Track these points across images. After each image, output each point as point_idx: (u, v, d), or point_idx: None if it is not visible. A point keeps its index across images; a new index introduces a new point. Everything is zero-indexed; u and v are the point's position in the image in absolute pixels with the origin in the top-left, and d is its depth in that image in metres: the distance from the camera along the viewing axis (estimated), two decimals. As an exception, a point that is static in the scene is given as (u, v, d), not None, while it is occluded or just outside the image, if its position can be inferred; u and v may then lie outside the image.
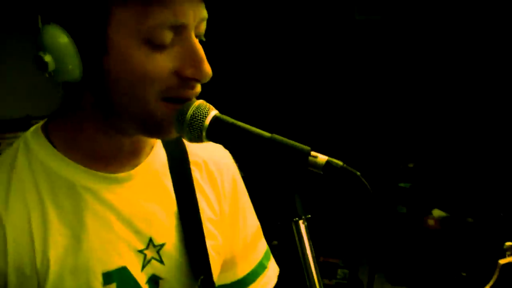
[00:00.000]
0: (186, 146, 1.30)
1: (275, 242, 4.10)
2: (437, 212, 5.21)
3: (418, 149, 5.51)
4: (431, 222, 5.14)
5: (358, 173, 0.89)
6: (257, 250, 1.45)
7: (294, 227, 0.92)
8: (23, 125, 3.24)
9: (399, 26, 5.34)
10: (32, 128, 1.18)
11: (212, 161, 1.33)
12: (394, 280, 5.11)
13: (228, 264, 1.39)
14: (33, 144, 1.13)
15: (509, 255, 1.17)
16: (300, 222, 0.92)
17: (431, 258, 4.85)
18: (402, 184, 5.39)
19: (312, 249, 0.93)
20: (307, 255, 0.92)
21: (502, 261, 1.16)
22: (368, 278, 5.05)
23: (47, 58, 0.99)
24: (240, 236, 1.40)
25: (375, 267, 5.21)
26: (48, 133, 1.15)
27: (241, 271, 1.42)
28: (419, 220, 5.22)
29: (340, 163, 0.90)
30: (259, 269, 1.45)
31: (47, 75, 1.02)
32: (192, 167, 1.28)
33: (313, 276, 0.93)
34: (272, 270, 1.49)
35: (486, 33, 5.04)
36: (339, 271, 5.13)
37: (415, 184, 5.36)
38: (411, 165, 5.48)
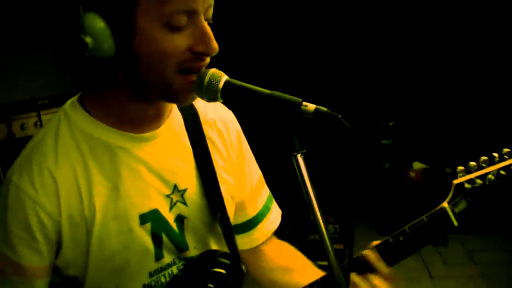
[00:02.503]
0: (197, 109, 1.54)
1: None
2: (417, 165, 5.48)
3: (397, 108, 5.75)
4: (412, 174, 5.42)
5: (340, 116, 1.16)
6: (261, 195, 1.73)
7: (294, 161, 1.17)
8: (29, 106, 3.46)
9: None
10: (68, 102, 1.42)
11: (220, 120, 1.58)
12: (381, 230, 5.42)
13: (239, 207, 1.65)
14: (72, 114, 1.38)
15: (460, 177, 1.45)
16: (298, 156, 1.17)
17: (414, 207, 5.12)
18: (384, 141, 5.65)
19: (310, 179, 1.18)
20: (307, 184, 1.17)
21: (455, 181, 1.45)
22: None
23: (88, 39, 1.23)
24: (247, 182, 1.67)
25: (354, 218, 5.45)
26: (84, 104, 1.39)
27: (251, 212, 1.70)
28: (402, 173, 5.51)
29: (325, 109, 1.16)
30: (265, 210, 1.73)
31: (87, 54, 1.25)
32: (204, 126, 1.53)
33: (313, 203, 1.17)
34: (276, 211, 1.78)
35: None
36: (330, 226, 5.39)
37: (396, 140, 5.65)
38: (391, 123, 5.71)
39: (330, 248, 1.18)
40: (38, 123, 3.34)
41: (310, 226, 5.37)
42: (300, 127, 1.18)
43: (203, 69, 1.30)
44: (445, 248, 5.25)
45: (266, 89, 1.24)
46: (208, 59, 1.31)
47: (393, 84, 5.77)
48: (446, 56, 5.57)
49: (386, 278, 1.48)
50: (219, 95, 1.25)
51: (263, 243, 1.75)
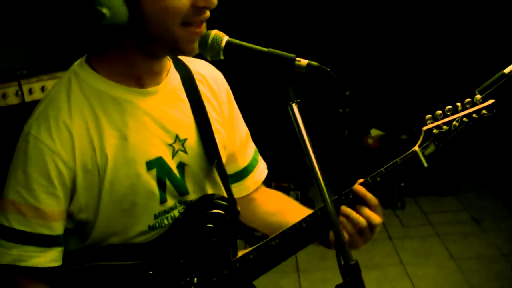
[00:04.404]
0: (191, 69, 1.71)
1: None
2: (374, 132, 5.71)
3: (353, 78, 5.92)
4: (370, 141, 5.65)
5: (328, 69, 1.34)
6: (249, 148, 1.91)
7: (289, 110, 1.35)
8: (9, 76, 3.58)
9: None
10: (76, 63, 1.57)
11: (211, 78, 1.75)
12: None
13: (231, 158, 1.83)
14: (81, 72, 1.53)
15: (429, 124, 1.64)
16: (293, 104, 1.35)
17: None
18: (342, 110, 5.84)
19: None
20: (302, 131, 1.34)
21: (424, 128, 1.64)
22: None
23: (104, 10, 1.39)
24: (237, 136, 1.83)
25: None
26: (91, 65, 1.54)
27: (241, 163, 1.88)
28: (359, 140, 5.74)
29: (316, 63, 1.35)
30: (254, 162, 1.92)
31: (103, 22, 1.40)
32: (197, 82, 1.70)
33: (308, 149, 1.35)
34: (263, 164, 1.97)
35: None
36: (291, 193, 5.56)
37: (354, 108, 5.83)
38: (348, 93, 5.89)
39: (323, 187, 1.38)
40: (20, 92, 3.43)
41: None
42: (294, 80, 1.37)
43: (204, 29, 1.47)
44: (402, 211, 5.53)
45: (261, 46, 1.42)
46: (208, 12, 1.47)
47: (348, 55, 5.94)
48: (399, 27, 5.79)
49: (375, 208, 1.62)
50: (221, 52, 1.43)
51: (254, 191, 1.93)
